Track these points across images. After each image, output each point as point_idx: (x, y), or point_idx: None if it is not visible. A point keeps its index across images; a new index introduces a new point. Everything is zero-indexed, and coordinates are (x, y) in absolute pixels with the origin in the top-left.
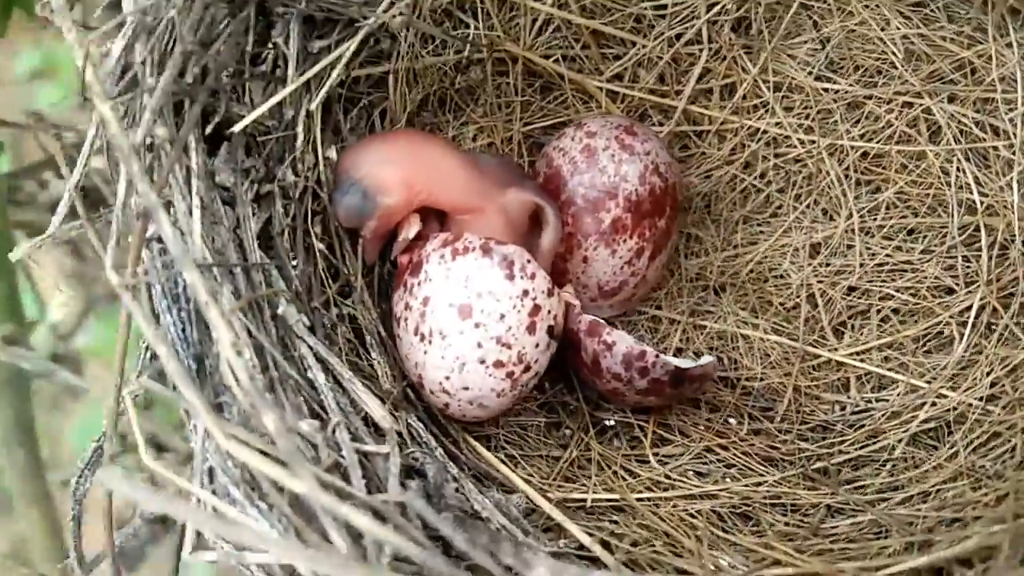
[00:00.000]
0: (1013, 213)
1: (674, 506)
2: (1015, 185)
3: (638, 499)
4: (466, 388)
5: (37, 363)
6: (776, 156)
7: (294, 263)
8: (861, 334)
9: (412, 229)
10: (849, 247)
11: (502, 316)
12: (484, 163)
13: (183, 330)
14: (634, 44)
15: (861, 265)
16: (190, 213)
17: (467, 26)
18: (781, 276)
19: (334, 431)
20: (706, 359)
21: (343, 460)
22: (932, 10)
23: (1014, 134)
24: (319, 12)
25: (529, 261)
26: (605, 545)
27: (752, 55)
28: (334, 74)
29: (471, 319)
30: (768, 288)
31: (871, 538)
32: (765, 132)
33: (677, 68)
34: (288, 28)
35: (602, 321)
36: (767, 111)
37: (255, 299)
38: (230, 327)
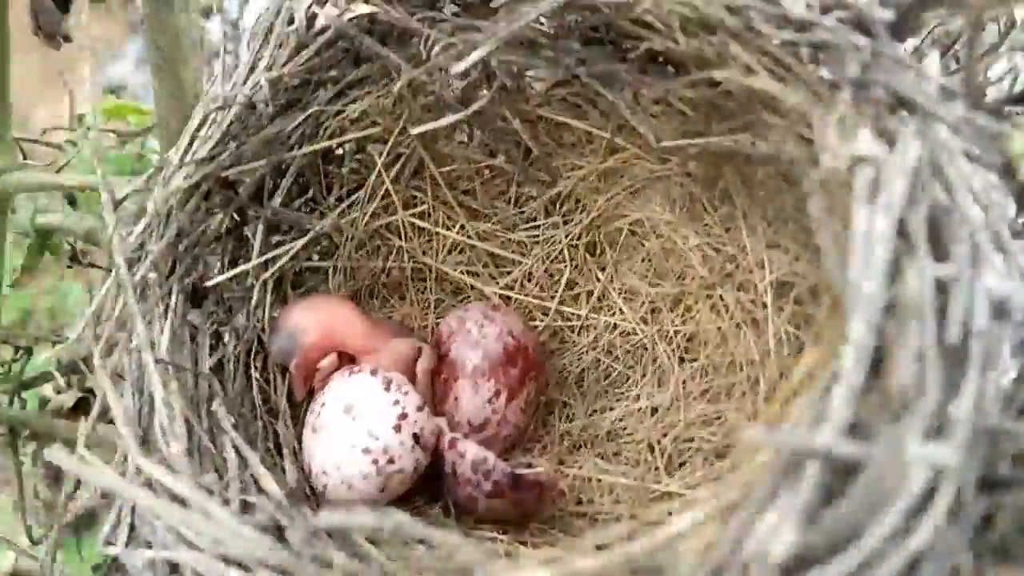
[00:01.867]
0: (773, 361)
1: None
2: (771, 337)
3: None
4: (338, 468)
5: None
6: (625, 342)
7: (234, 383)
8: (685, 471)
9: (328, 360)
10: (677, 407)
11: (374, 415)
12: (380, 321)
13: (139, 410)
14: (519, 262)
15: (686, 418)
16: (163, 333)
17: (391, 243)
18: (630, 432)
19: (228, 485)
20: (539, 469)
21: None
22: (711, 225)
23: (765, 301)
24: (281, 220)
25: (405, 383)
26: None
27: (602, 268)
28: (285, 259)
29: (351, 415)
30: (621, 442)
31: None
32: (616, 325)
33: (551, 279)
34: (256, 227)
35: (460, 437)
36: (616, 308)
37: (196, 397)
38: (166, 400)
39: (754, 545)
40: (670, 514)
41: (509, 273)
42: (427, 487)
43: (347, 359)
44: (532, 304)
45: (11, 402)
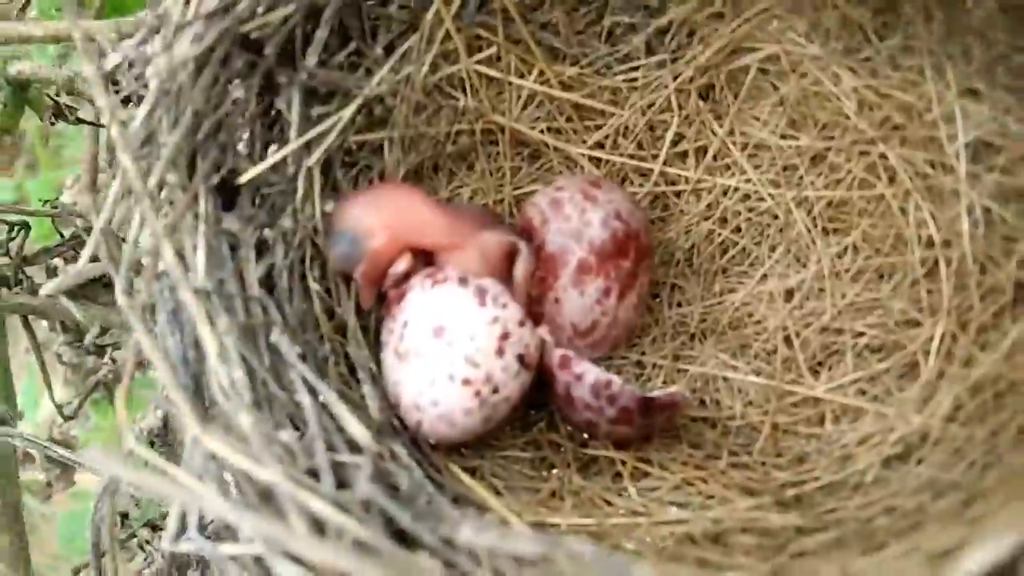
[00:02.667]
0: (965, 241)
1: (647, 531)
2: (963, 214)
3: (612, 525)
4: (435, 404)
5: (30, 442)
6: (749, 210)
7: (291, 302)
8: (836, 371)
9: (402, 264)
10: (820, 290)
11: (472, 338)
12: (461, 209)
13: (184, 353)
14: (612, 114)
15: (833, 306)
16: (196, 250)
17: (456, 99)
18: (759, 321)
19: (311, 442)
20: (673, 388)
21: (317, 466)
22: (877, 62)
23: (956, 167)
24: (320, 84)
25: (502, 292)
26: None
27: (719, 119)
28: (331, 136)
29: (443, 339)
30: (747, 332)
31: (833, 549)
32: (737, 189)
33: (652, 134)
34: (290, 96)
35: (572, 354)
36: (737, 169)
37: (251, 328)
38: (218, 341)
39: None
40: (822, 424)
41: (600, 128)
42: (529, 394)
43: (423, 258)
44: (629, 166)
45: (16, 280)
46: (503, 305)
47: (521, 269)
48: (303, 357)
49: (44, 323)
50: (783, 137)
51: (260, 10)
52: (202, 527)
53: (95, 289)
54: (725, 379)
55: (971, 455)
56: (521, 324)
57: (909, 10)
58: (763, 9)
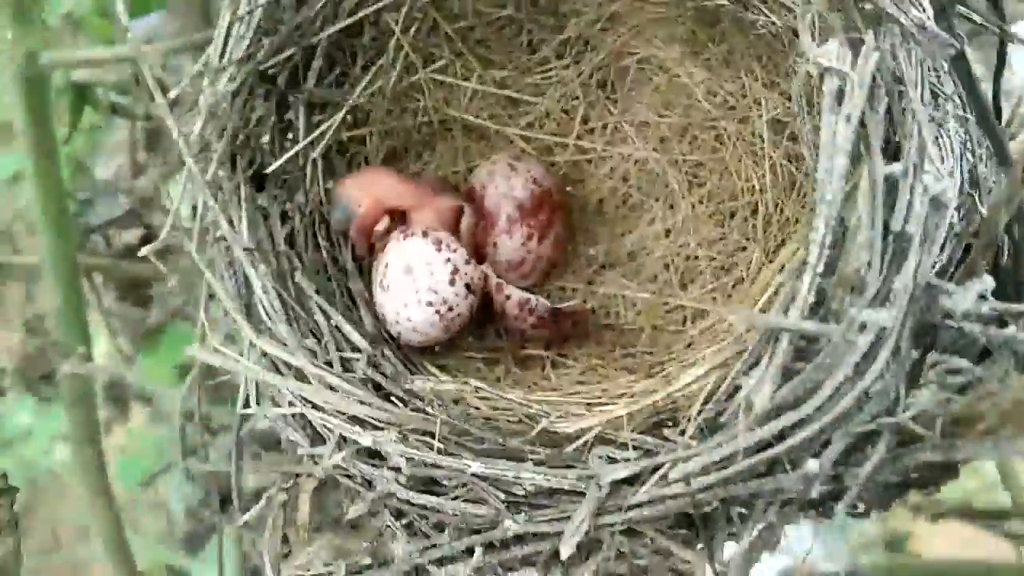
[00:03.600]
0: (769, 191)
1: (560, 399)
2: (767, 174)
3: (537, 396)
4: (409, 320)
5: (111, 372)
6: (639, 171)
7: (307, 252)
8: (696, 285)
9: (382, 224)
10: (688, 228)
11: (431, 273)
12: (423, 181)
13: (238, 289)
14: (535, 103)
15: (695, 239)
16: (241, 221)
17: (417, 102)
18: (648, 253)
19: (326, 347)
20: (573, 302)
21: (331, 359)
22: (714, 63)
23: (764, 135)
24: (317, 99)
25: (452, 240)
26: None
27: (614, 103)
28: (328, 135)
29: (411, 275)
30: (639, 262)
31: None
32: (630, 155)
33: (567, 116)
34: (298, 109)
35: (502, 282)
36: (629, 140)
37: (282, 272)
38: (260, 281)
39: (742, 396)
40: (684, 324)
41: (527, 114)
42: (480, 315)
43: (398, 218)
44: (552, 141)
45: (81, 246)
46: (453, 250)
47: (465, 223)
48: (318, 291)
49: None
50: (659, 116)
51: (274, 53)
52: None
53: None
54: (623, 296)
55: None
56: (467, 262)
57: (729, 32)
58: (634, 25)
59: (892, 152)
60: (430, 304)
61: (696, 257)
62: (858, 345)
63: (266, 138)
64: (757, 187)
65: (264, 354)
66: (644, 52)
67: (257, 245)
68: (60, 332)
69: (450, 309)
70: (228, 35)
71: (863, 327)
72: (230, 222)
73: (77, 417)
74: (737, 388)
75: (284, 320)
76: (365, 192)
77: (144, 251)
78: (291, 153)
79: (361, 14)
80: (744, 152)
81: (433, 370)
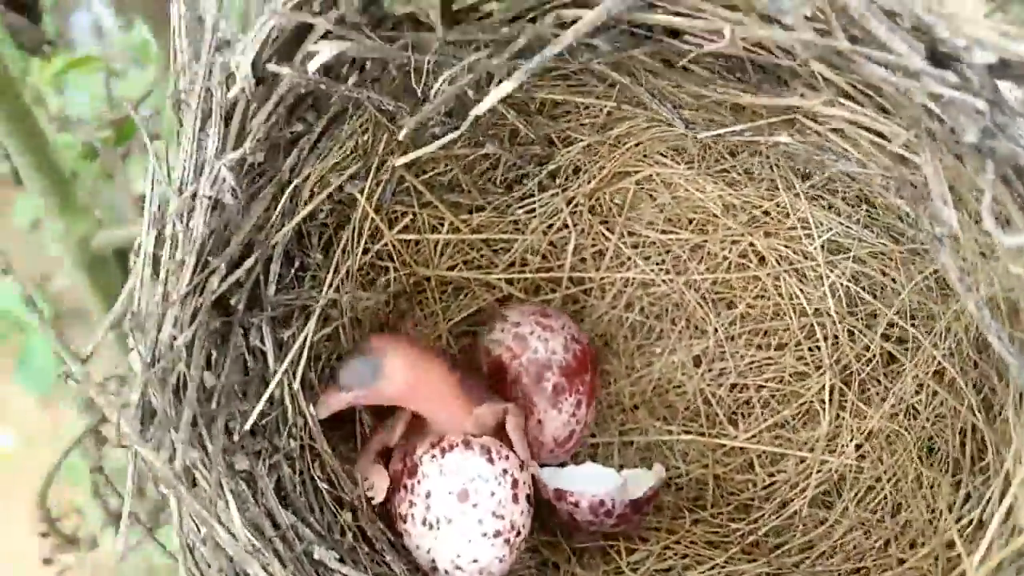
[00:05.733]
0: (834, 313)
1: None
2: (828, 293)
3: None
4: (475, 560)
5: None
6: (648, 295)
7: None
8: (750, 421)
9: (400, 425)
10: (722, 353)
11: (492, 493)
12: (467, 382)
13: None
14: (516, 240)
15: (735, 366)
16: (227, 506)
17: (386, 269)
18: (678, 386)
19: None
20: (652, 477)
21: None
22: (735, 175)
23: (818, 256)
24: (281, 309)
25: (498, 444)
26: None
27: (610, 229)
28: (304, 355)
29: (469, 502)
30: (671, 398)
31: None
32: (634, 279)
33: (555, 249)
34: (261, 331)
35: (563, 489)
36: (632, 264)
37: (299, 558)
38: None
39: None
40: (752, 468)
41: (507, 252)
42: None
43: (417, 423)
44: (540, 279)
45: None
46: (505, 456)
47: (513, 423)
48: (341, 560)
49: None
50: (663, 232)
51: (227, 272)
52: None
53: None
54: (664, 443)
55: (882, 493)
56: (522, 468)
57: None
58: (636, 144)
59: None
60: (498, 534)
61: (742, 386)
62: None
63: (235, 390)
64: (808, 306)
65: None
66: (647, 170)
67: (256, 534)
68: None
69: (518, 534)
70: (164, 265)
71: None
72: (220, 522)
73: None
74: None
75: None
76: (405, 371)
77: None
78: (264, 400)
79: (325, 194)
80: (785, 268)
81: None
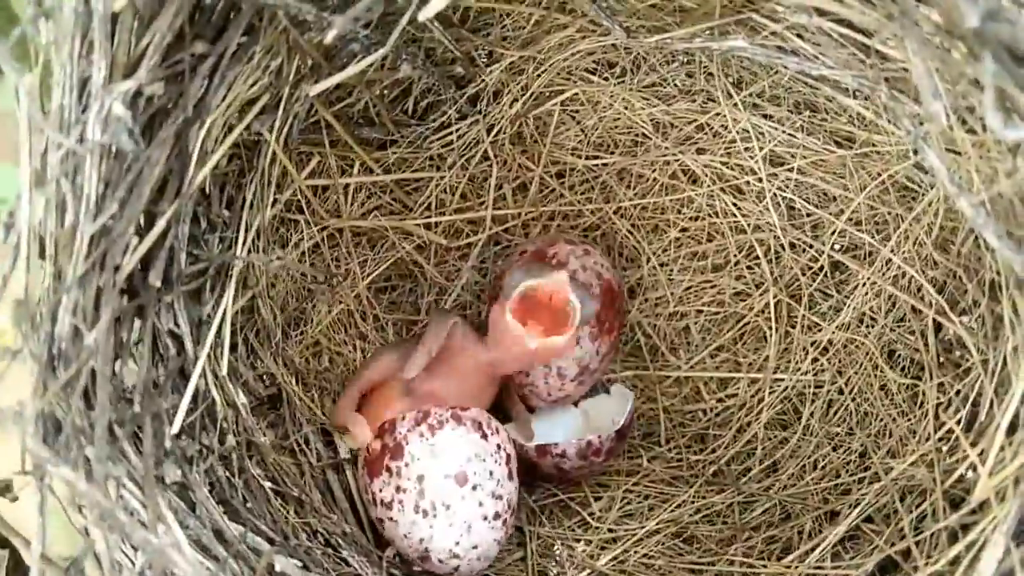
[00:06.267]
0: (777, 228)
1: (634, 553)
2: (770, 207)
3: (603, 566)
4: (475, 547)
5: None
6: (574, 228)
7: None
8: (692, 348)
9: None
10: (656, 282)
11: (491, 473)
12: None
13: None
14: (432, 179)
15: (671, 294)
16: (168, 529)
17: (296, 223)
18: None
19: None
20: (618, 400)
21: None
22: (668, 89)
23: (759, 170)
24: (192, 282)
25: (488, 417)
26: None
27: (532, 158)
28: (226, 334)
29: (468, 485)
30: None
31: (784, 519)
32: (559, 211)
33: (473, 184)
34: (173, 309)
35: (543, 442)
36: (557, 195)
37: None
38: None
39: None
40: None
41: (424, 191)
42: None
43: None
44: (460, 219)
45: None
46: (495, 429)
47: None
48: (305, 567)
49: None
50: (589, 158)
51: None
52: None
53: None
54: (606, 380)
55: (845, 406)
56: (509, 438)
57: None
58: (563, 58)
59: None
60: (498, 516)
61: (680, 314)
62: None
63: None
64: (747, 223)
65: None
66: (571, 89)
67: (204, 551)
68: None
69: (513, 510)
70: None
71: None
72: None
73: None
74: None
75: None
76: None
77: None
78: (185, 399)
79: (235, 135)
80: (720, 186)
81: None
